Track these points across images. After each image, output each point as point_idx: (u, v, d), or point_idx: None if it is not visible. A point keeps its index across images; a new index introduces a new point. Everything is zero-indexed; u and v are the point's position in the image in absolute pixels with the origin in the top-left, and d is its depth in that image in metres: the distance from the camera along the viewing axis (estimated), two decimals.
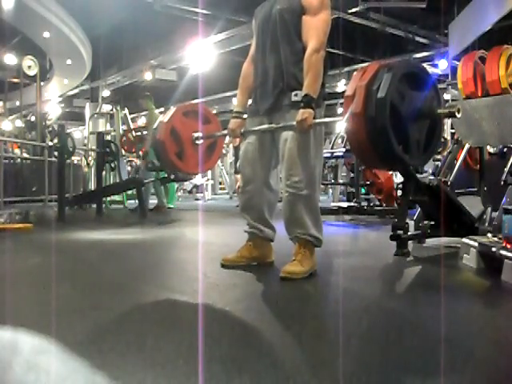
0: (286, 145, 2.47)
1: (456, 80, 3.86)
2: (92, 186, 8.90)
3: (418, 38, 10.10)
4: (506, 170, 3.36)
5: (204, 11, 8.80)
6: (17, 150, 9.26)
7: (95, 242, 4.00)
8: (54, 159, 6.36)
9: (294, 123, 2.40)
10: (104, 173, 7.74)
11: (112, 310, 1.89)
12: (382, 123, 1.81)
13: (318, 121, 2.40)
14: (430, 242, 3.44)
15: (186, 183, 12.18)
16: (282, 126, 2.52)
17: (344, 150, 7.25)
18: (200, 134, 2.91)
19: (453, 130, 9.33)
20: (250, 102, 2.78)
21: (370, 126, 1.83)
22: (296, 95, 2.45)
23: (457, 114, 2.01)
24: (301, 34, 2.50)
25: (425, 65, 11.11)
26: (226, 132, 2.86)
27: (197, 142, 2.93)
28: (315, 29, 2.45)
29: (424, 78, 1.97)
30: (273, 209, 2.75)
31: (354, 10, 8.48)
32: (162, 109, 17.38)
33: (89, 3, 9.62)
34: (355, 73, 2.23)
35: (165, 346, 1.45)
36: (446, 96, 10.25)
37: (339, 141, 7.96)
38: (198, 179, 11.49)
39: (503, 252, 2.44)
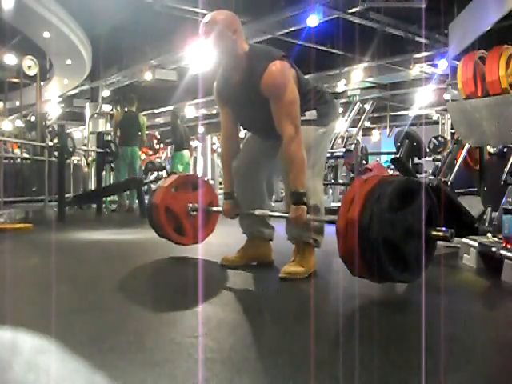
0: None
1: (456, 80, 3.86)
2: (92, 185, 8.89)
3: (417, 38, 10.08)
4: (506, 170, 3.36)
5: (204, 11, 8.79)
6: (17, 150, 9.25)
7: (95, 242, 4.00)
8: (54, 159, 6.36)
9: (288, 215, 2.38)
10: (104, 173, 7.74)
11: (112, 310, 1.89)
12: (374, 236, 1.83)
13: (312, 218, 2.39)
14: None
15: None
16: (280, 216, 2.52)
17: (344, 150, 7.26)
18: (195, 206, 2.92)
19: (453, 130, 9.34)
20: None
21: (362, 236, 1.85)
22: (304, 116, 2.45)
23: (450, 239, 2.03)
24: None
25: (425, 65, 11.14)
26: (220, 209, 2.85)
27: (192, 213, 2.94)
28: (284, 116, 2.34)
29: (422, 197, 1.99)
30: (268, 207, 2.76)
31: (354, 9, 8.47)
32: (161, 109, 17.39)
33: (89, 3, 9.61)
34: (356, 180, 2.22)
35: (165, 346, 1.45)
36: (446, 96, 10.26)
37: (339, 141, 7.96)
38: None
39: (503, 252, 2.44)
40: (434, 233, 2.04)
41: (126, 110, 7.61)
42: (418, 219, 1.96)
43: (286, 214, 2.42)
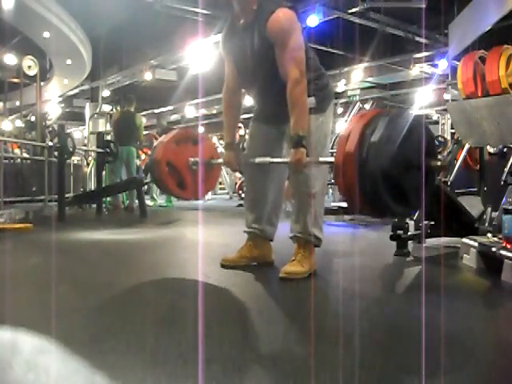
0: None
1: (456, 80, 3.86)
2: (92, 185, 8.89)
3: (417, 38, 10.08)
4: (506, 170, 3.36)
5: (204, 11, 8.79)
6: (17, 150, 9.25)
7: (95, 242, 4.00)
8: (53, 159, 6.36)
9: (287, 160, 2.39)
10: (104, 173, 7.74)
11: (112, 310, 1.89)
12: (372, 168, 1.81)
13: (309, 159, 2.36)
14: (430, 242, 3.43)
15: None
16: (278, 161, 2.53)
17: None
18: (196, 160, 2.91)
19: (453, 130, 9.34)
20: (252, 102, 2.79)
21: (360, 169, 1.83)
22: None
23: (447, 167, 2.01)
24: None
25: (425, 65, 11.14)
26: (221, 161, 2.85)
27: (194, 167, 2.93)
28: (289, 60, 2.34)
29: (420, 129, 1.97)
30: (279, 206, 2.76)
31: (354, 9, 8.47)
32: (161, 109, 17.39)
33: (89, 3, 9.61)
34: (353, 116, 2.22)
35: (165, 346, 1.45)
36: (446, 96, 10.25)
37: None
38: None
39: (503, 252, 2.44)
40: (433, 163, 2.02)
41: (124, 109, 7.62)
42: (416, 150, 1.93)
43: (287, 159, 2.40)
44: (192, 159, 2.88)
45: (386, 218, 2.02)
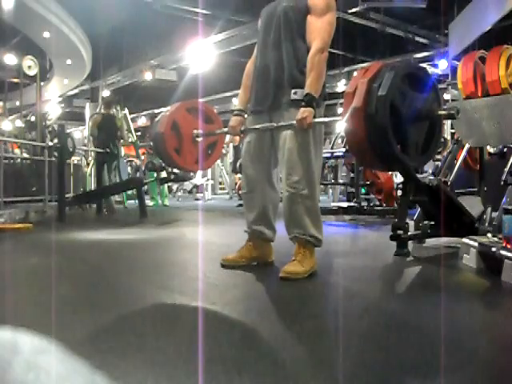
0: (286, 145, 2.48)
1: (456, 80, 3.86)
2: (92, 185, 8.90)
3: (417, 38, 10.10)
4: (506, 170, 3.36)
5: (204, 11, 8.80)
6: (17, 150, 9.25)
7: (95, 242, 4.00)
8: (53, 159, 6.36)
9: (294, 122, 2.40)
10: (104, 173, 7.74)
11: (112, 310, 1.89)
12: (381, 121, 1.81)
13: (317, 120, 2.40)
14: (430, 242, 3.44)
15: (186, 183, 12.18)
16: (282, 124, 2.52)
17: (344, 150, 7.26)
18: (200, 132, 2.91)
19: (453, 130, 9.34)
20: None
21: (369, 123, 1.82)
22: (295, 93, 2.45)
23: (456, 115, 2.02)
24: (304, 34, 2.50)
25: (425, 65, 11.14)
26: (226, 130, 2.86)
27: (197, 139, 2.92)
28: (320, 30, 2.44)
29: (425, 79, 1.97)
30: (276, 208, 2.75)
31: (354, 9, 8.47)
32: (162, 109, 17.39)
33: (89, 3, 9.62)
34: (357, 71, 2.23)
35: (165, 345, 1.45)
36: (446, 96, 10.25)
37: (339, 141, 7.96)
38: (197, 179, 11.49)
39: (503, 252, 2.43)
40: (440, 112, 2.03)
41: (104, 112, 7.66)
42: (424, 99, 1.93)
43: (293, 122, 2.40)
44: (196, 131, 2.89)
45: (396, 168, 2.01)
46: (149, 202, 9.26)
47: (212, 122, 3.03)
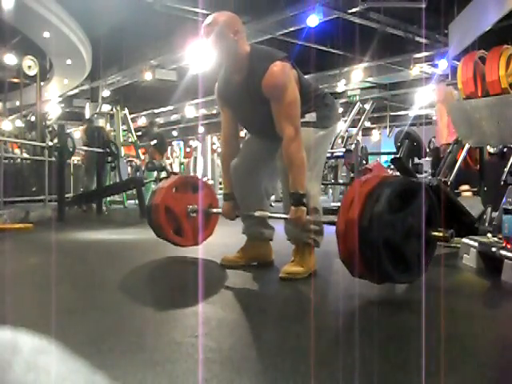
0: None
1: (456, 80, 3.86)
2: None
3: (417, 38, 10.09)
4: (506, 170, 3.35)
5: (204, 11, 8.79)
6: (17, 150, 9.25)
7: (95, 242, 4.00)
8: (53, 159, 6.36)
9: (288, 216, 2.38)
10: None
11: (112, 310, 1.89)
12: (374, 236, 1.84)
13: (308, 218, 2.37)
14: None
15: None
16: (277, 217, 2.55)
17: (344, 150, 7.26)
18: (195, 207, 2.92)
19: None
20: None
21: (362, 236, 1.85)
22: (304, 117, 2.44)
23: (450, 239, 2.04)
24: None
25: (425, 65, 11.14)
26: (220, 210, 2.85)
27: (192, 215, 2.94)
28: (284, 117, 2.34)
29: (423, 197, 1.99)
30: (267, 207, 2.75)
31: (354, 9, 8.47)
32: (161, 109, 17.35)
33: (89, 3, 9.61)
34: (356, 180, 2.22)
35: (165, 345, 1.45)
36: None
37: (339, 141, 7.96)
38: None
39: (503, 252, 2.43)
40: (435, 233, 2.05)
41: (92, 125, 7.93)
42: (418, 220, 1.96)
43: (286, 216, 2.41)
44: (190, 206, 2.89)
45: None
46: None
47: (202, 189, 3.02)
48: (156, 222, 2.94)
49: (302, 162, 2.33)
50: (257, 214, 2.57)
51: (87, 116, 13.10)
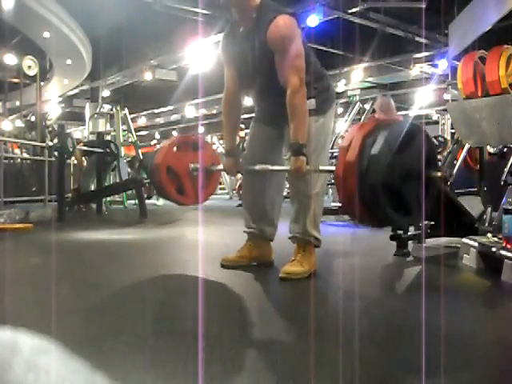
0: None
1: (456, 80, 3.86)
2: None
3: (417, 38, 10.09)
4: (506, 170, 3.35)
5: (204, 11, 8.79)
6: (17, 150, 9.25)
7: (95, 242, 4.00)
8: (53, 159, 6.36)
9: (289, 168, 2.38)
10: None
11: (112, 310, 1.89)
12: (373, 179, 1.82)
13: (309, 168, 2.35)
14: (429, 242, 3.43)
15: None
16: (278, 169, 2.54)
17: None
18: (197, 166, 2.91)
19: (453, 130, 9.34)
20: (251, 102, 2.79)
21: (362, 179, 1.84)
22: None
23: (449, 178, 2.01)
24: None
25: (425, 65, 11.14)
26: (221, 167, 2.85)
27: (194, 173, 2.93)
28: (289, 67, 2.34)
29: (421, 139, 1.98)
30: (279, 206, 2.75)
31: (354, 9, 8.48)
32: (161, 109, 17.37)
33: (89, 3, 9.61)
34: (353, 126, 2.21)
35: (165, 346, 1.45)
36: (446, 96, 10.26)
37: (339, 141, 7.96)
38: None
39: (503, 252, 2.43)
40: (434, 174, 2.02)
41: None
42: (417, 161, 1.94)
43: (287, 167, 2.40)
44: (192, 165, 2.89)
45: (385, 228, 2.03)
46: (157, 202, 9.27)
47: (203, 148, 3.02)
48: (158, 181, 2.91)
49: (304, 113, 2.35)
50: (257, 167, 2.55)
51: (87, 116, 13.13)
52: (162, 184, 2.89)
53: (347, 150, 1.91)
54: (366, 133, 1.91)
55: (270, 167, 2.55)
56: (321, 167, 2.42)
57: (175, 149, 2.95)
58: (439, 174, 2.03)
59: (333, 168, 2.05)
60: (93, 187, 7.47)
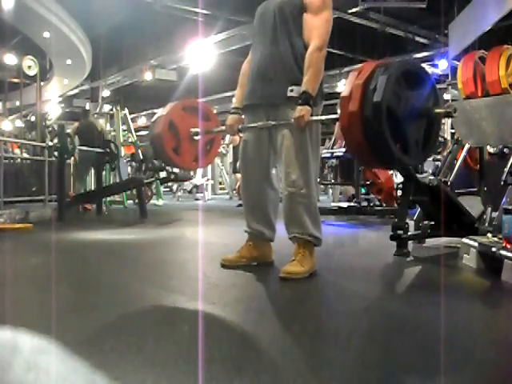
0: (283, 143, 2.48)
1: (456, 80, 3.86)
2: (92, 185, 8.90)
3: (417, 38, 10.10)
4: (506, 170, 3.35)
5: (204, 11, 8.80)
6: (17, 150, 9.25)
7: (95, 242, 4.00)
8: (53, 159, 6.36)
9: (292, 120, 2.39)
10: (104, 173, 7.74)
11: (112, 310, 1.89)
12: (378, 124, 1.82)
13: (315, 118, 2.39)
14: (429, 242, 3.44)
15: (186, 183, 12.18)
16: (279, 123, 2.51)
17: (344, 150, 7.25)
18: (198, 130, 2.91)
19: (453, 130, 9.34)
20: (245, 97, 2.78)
21: (366, 126, 1.83)
22: (292, 91, 2.43)
23: (453, 113, 2.02)
24: (301, 30, 2.49)
25: (425, 65, 11.15)
26: (223, 128, 2.86)
27: (195, 137, 2.92)
28: (318, 28, 2.44)
29: (421, 77, 1.97)
30: (276, 208, 2.75)
31: (354, 9, 8.48)
32: (160, 109, 17.45)
33: (89, 3, 9.62)
34: (351, 73, 2.23)
35: (165, 346, 1.45)
36: (446, 96, 10.26)
37: (339, 141, 7.95)
38: (197, 179, 11.49)
39: (503, 252, 2.43)
40: (437, 110, 2.03)
41: (82, 121, 7.83)
42: (421, 98, 1.94)
43: (290, 120, 2.41)
44: (193, 129, 2.89)
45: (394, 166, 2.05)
46: (157, 202, 9.27)
47: (209, 120, 3.04)
48: (157, 133, 2.91)
49: (319, 70, 2.43)
50: (259, 124, 2.55)
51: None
52: (161, 136, 2.88)
53: (349, 99, 1.91)
54: (366, 79, 1.90)
55: (272, 122, 2.53)
56: (324, 117, 2.47)
57: (182, 108, 2.96)
58: (442, 110, 2.04)
59: (337, 116, 2.06)
60: (83, 189, 7.48)
